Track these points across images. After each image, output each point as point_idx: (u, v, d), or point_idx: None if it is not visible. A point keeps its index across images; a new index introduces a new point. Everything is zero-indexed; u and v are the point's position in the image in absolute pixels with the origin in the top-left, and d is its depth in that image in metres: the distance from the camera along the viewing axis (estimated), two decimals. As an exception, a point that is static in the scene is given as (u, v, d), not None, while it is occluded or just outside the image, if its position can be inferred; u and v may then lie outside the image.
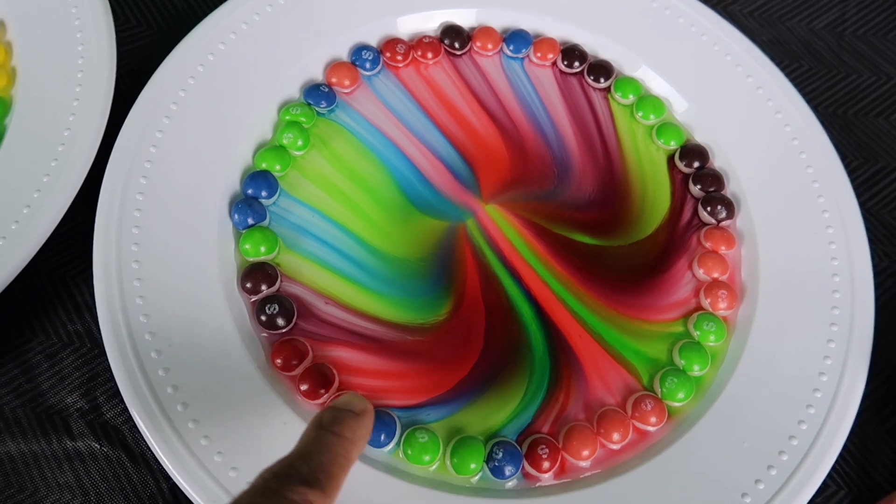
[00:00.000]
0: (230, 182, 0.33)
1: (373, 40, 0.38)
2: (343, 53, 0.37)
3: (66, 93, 0.33)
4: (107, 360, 0.29)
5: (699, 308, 0.33)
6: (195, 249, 0.31)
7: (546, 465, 0.29)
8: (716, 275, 0.33)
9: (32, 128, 0.33)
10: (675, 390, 0.30)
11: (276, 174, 0.34)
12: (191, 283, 0.30)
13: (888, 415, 0.32)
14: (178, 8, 0.39)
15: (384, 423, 0.29)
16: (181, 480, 0.26)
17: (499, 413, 0.30)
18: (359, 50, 0.37)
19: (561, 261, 0.34)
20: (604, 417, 0.30)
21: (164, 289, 0.29)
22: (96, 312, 0.29)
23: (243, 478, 0.26)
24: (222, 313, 0.30)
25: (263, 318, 0.30)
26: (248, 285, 0.31)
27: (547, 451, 0.29)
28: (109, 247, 0.30)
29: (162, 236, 0.30)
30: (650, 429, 0.30)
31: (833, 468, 0.29)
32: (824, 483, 0.29)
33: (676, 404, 0.31)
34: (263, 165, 0.34)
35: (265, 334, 0.30)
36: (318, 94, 0.35)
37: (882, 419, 0.32)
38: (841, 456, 0.30)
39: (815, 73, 0.40)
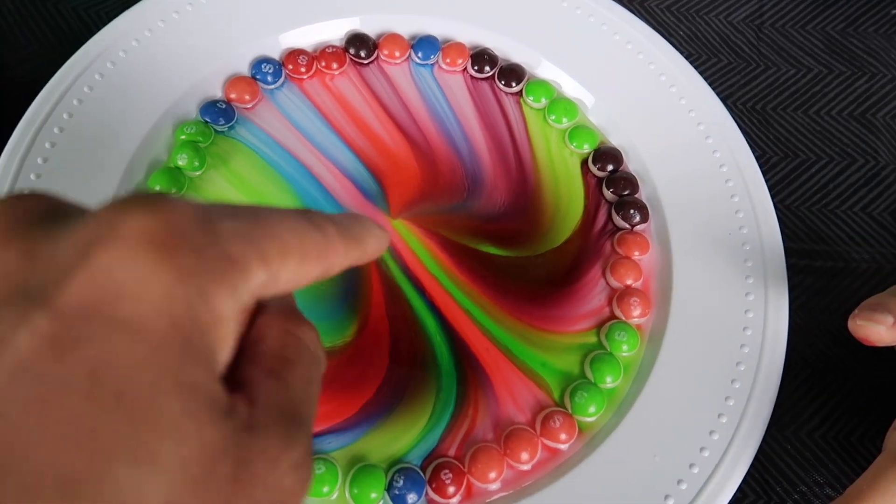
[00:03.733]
0: (121, 208, 0.31)
1: (275, 53, 0.36)
2: (244, 68, 0.36)
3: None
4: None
5: (612, 317, 0.32)
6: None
7: (451, 489, 0.28)
8: (629, 281, 0.32)
9: None
10: (586, 404, 0.29)
11: (170, 197, 0.32)
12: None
13: (808, 416, 0.31)
14: (73, 27, 0.37)
15: (280, 454, 0.27)
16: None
17: (404, 437, 0.29)
18: (259, 63, 0.35)
19: (468, 273, 0.33)
20: (511, 437, 0.29)
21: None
22: None
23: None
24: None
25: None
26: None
27: (451, 475, 0.28)
28: None
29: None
30: (560, 446, 0.29)
31: (750, 476, 0.29)
32: (740, 491, 0.28)
33: (588, 419, 0.30)
34: (157, 188, 0.32)
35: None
36: (216, 111, 0.34)
37: (802, 421, 0.31)
38: (758, 461, 0.29)
39: (733, 67, 0.39)
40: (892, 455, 0.26)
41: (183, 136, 0.33)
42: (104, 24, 0.35)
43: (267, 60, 0.36)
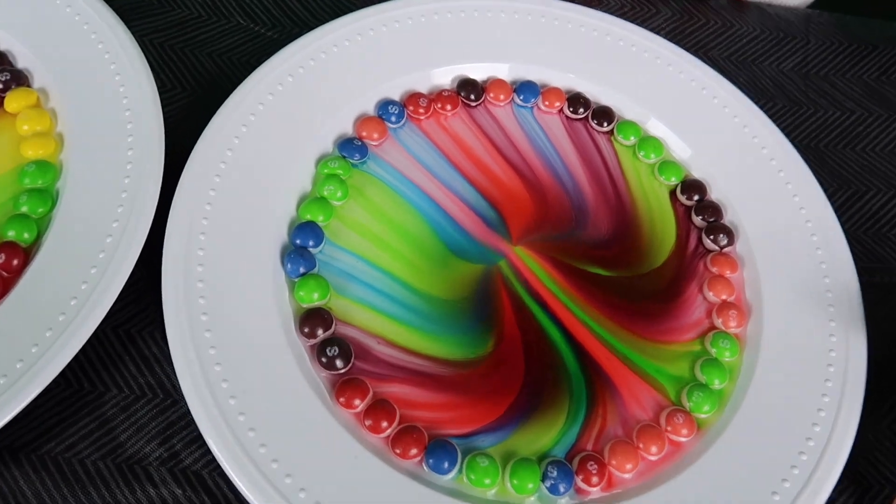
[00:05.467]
0: (279, 234, 0.35)
1: (396, 95, 0.41)
2: (370, 108, 0.40)
3: (118, 158, 0.35)
4: (180, 408, 0.31)
5: (713, 328, 0.36)
6: (256, 299, 0.33)
7: (595, 479, 0.31)
8: (724, 296, 0.37)
9: (88, 192, 0.34)
10: (701, 403, 0.34)
11: (320, 224, 0.36)
12: (255, 330, 0.32)
13: (886, 411, 0.36)
14: (209, 70, 0.41)
15: (447, 451, 0.31)
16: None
17: (547, 434, 0.33)
18: (385, 105, 0.40)
19: (581, 291, 0.37)
20: (643, 432, 0.33)
21: (232, 338, 0.31)
22: (165, 365, 0.31)
23: (328, 510, 0.28)
24: (286, 357, 0.32)
25: (324, 359, 0.32)
26: (306, 330, 0.33)
27: (596, 466, 0.32)
28: (178, 303, 0.31)
29: (224, 288, 0.32)
30: (683, 440, 0.33)
31: (847, 466, 0.33)
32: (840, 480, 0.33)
33: (703, 416, 0.34)
34: (308, 217, 0.36)
35: (325, 374, 0.32)
36: (352, 148, 0.38)
37: (879, 416, 0.36)
38: (853, 452, 0.34)
39: (787, 110, 0.45)
40: None
41: (326, 170, 0.37)
42: (237, 68, 0.39)
43: (391, 102, 0.40)
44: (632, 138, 0.41)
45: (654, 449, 0.33)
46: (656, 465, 0.33)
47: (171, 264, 0.32)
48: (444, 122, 0.41)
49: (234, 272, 0.33)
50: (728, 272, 0.38)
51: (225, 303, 0.32)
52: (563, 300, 0.36)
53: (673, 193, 0.41)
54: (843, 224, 0.40)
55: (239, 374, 0.31)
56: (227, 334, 0.31)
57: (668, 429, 0.33)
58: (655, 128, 0.42)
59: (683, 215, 0.40)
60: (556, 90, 0.42)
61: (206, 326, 0.31)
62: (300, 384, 0.31)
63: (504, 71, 0.42)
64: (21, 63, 0.39)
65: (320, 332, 0.33)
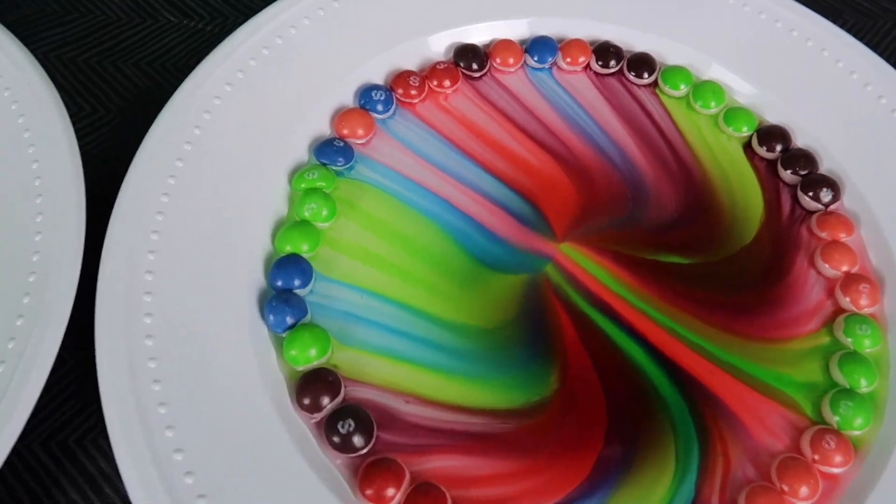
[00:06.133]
0: (253, 276, 0.26)
1: (379, 78, 0.32)
2: (349, 99, 0.31)
3: (23, 213, 0.26)
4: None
5: (840, 310, 0.28)
6: (230, 372, 0.24)
7: (736, 550, 0.23)
8: (845, 267, 0.28)
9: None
10: (852, 416, 0.25)
11: (305, 255, 0.27)
12: (235, 416, 0.23)
13: None
14: (138, 83, 0.32)
15: (525, 541, 0.22)
16: None
17: (656, 491, 0.24)
18: (367, 91, 0.31)
19: (656, 288, 0.28)
20: (785, 469, 0.24)
21: (206, 431, 0.23)
22: (119, 482, 0.22)
23: None
24: (284, 445, 0.23)
25: (336, 439, 0.23)
26: (307, 401, 0.24)
27: (733, 530, 0.23)
28: (123, 391, 0.23)
29: (186, 363, 0.24)
30: (837, 471, 0.24)
31: None
32: None
33: (857, 433, 0.25)
34: (288, 248, 0.27)
35: (341, 460, 0.24)
36: (333, 151, 0.29)
37: None
38: None
39: (861, 25, 0.36)
40: None
41: (303, 185, 0.29)
42: (173, 74, 0.30)
43: (375, 87, 0.31)
44: (682, 87, 0.33)
45: (804, 491, 0.24)
46: (811, 513, 0.24)
47: (108, 342, 0.23)
48: (444, 102, 0.32)
49: (197, 340, 0.24)
50: (843, 235, 0.29)
51: (189, 385, 0.23)
52: (633, 303, 0.28)
53: (748, 147, 0.32)
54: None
55: (221, 484, 0.22)
56: (197, 429, 0.23)
57: (816, 458, 0.24)
58: (709, 69, 0.33)
59: (767, 172, 0.31)
60: (577, 42, 0.33)
61: (167, 422, 0.22)
62: (309, 478, 0.23)
63: (508, 29, 0.34)
64: None
65: (326, 401, 0.24)
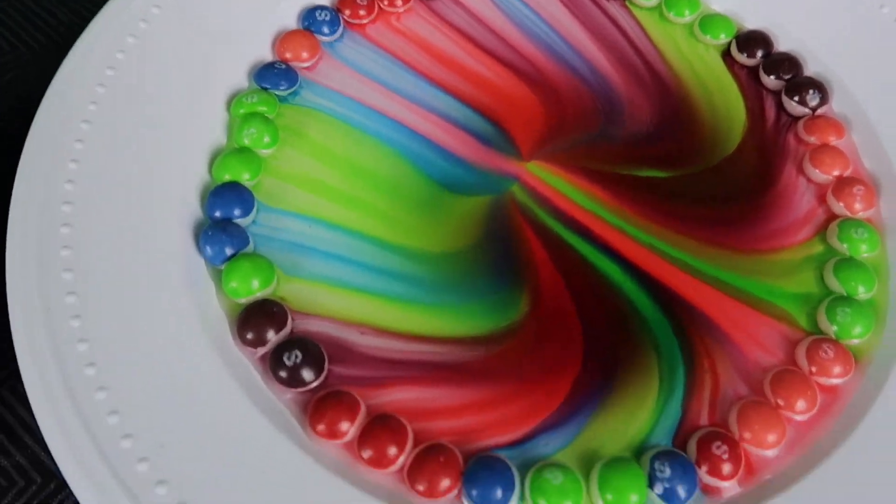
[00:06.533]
0: (188, 207, 0.24)
1: (324, -1, 0.30)
2: (291, 21, 0.29)
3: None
4: (67, 494, 0.20)
5: (834, 215, 0.25)
6: (163, 306, 0.22)
7: (727, 468, 0.20)
8: (836, 171, 0.26)
9: None
10: (850, 324, 0.23)
11: (245, 183, 0.25)
12: (168, 351, 0.21)
13: None
14: (60, 18, 0.30)
15: (496, 472, 0.20)
16: None
17: (638, 413, 0.22)
18: (310, 12, 0.29)
19: (633, 203, 0.26)
20: (779, 382, 0.22)
21: (134, 370, 0.20)
22: (38, 434, 0.20)
23: None
24: (223, 383, 0.21)
25: (283, 373, 0.21)
26: (250, 335, 0.22)
27: (724, 447, 0.20)
28: (37, 331, 0.20)
29: (112, 301, 0.21)
30: (837, 381, 0.22)
31: None
32: None
33: (856, 342, 0.23)
34: (227, 177, 0.25)
35: (290, 395, 0.21)
36: (274, 75, 0.27)
37: None
38: None
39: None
40: None
41: (242, 109, 0.26)
42: (97, 6, 0.27)
43: (319, 7, 0.29)
44: (653, -4, 0.30)
45: (801, 404, 0.21)
46: (810, 428, 0.21)
47: (19, 277, 0.21)
48: (396, 23, 0.30)
49: (124, 276, 0.22)
50: (833, 138, 0.27)
51: (112, 320, 0.21)
52: (610, 221, 0.25)
53: (727, 55, 0.29)
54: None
55: (150, 425, 0.19)
56: (125, 366, 0.20)
57: (813, 369, 0.22)
58: (681, -23, 0.31)
59: (748, 79, 0.29)
60: (537, -46, 0.31)
61: (88, 359, 0.20)
62: (255, 418, 0.20)
63: (463, -57, 0.31)
64: None
65: (271, 334, 0.22)
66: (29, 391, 0.19)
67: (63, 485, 0.21)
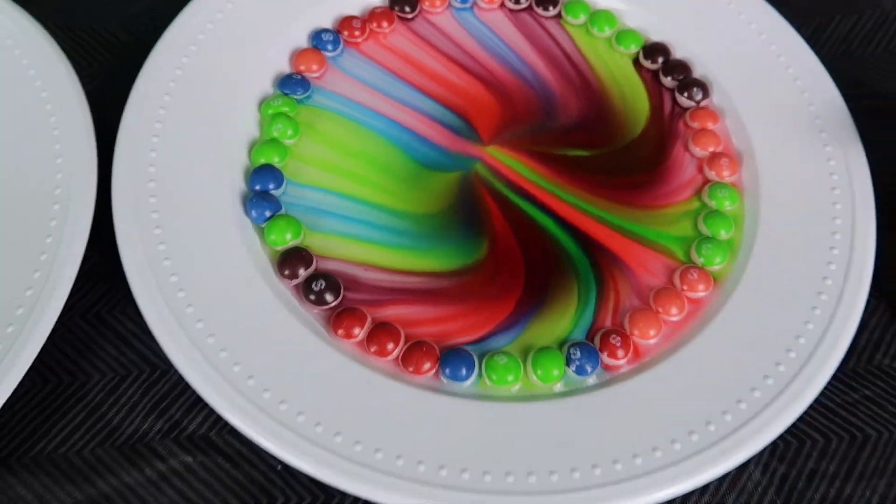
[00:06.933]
0: (236, 184, 0.33)
1: (328, 23, 0.38)
2: (303, 41, 0.38)
3: (45, 142, 0.32)
4: (170, 377, 0.29)
5: (707, 181, 0.35)
6: (226, 254, 0.30)
7: (621, 352, 0.30)
8: (711, 148, 0.35)
9: (21, 183, 0.32)
10: (712, 255, 0.32)
11: (276, 165, 0.34)
12: (232, 284, 0.30)
13: None
14: (122, 40, 0.38)
15: (461, 358, 0.29)
16: (296, 461, 0.26)
17: (562, 320, 0.31)
18: (318, 34, 0.37)
19: (565, 175, 0.35)
20: (659, 296, 0.31)
21: (210, 295, 0.29)
22: (144, 339, 0.29)
23: (350, 439, 0.26)
24: (272, 303, 0.30)
25: (312, 296, 0.30)
26: (287, 271, 0.31)
27: (619, 339, 0.30)
28: (144, 271, 0.29)
29: (190, 250, 0.30)
30: (701, 295, 0.31)
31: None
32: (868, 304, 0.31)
33: (716, 268, 0.32)
34: (262, 160, 0.34)
35: (317, 311, 0.30)
36: (293, 83, 0.36)
37: None
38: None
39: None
40: None
41: (270, 111, 0.35)
42: (150, 32, 0.36)
43: (324, 31, 0.38)
44: (581, 16, 0.39)
45: (674, 310, 0.31)
46: (679, 327, 0.31)
47: (125, 236, 0.30)
48: (384, 41, 0.39)
49: (196, 231, 0.31)
50: (710, 124, 0.36)
51: (194, 264, 0.30)
52: (548, 188, 0.34)
53: (636, 61, 0.39)
54: (817, 53, 0.39)
55: (225, 329, 0.28)
56: (203, 293, 0.29)
57: (684, 287, 0.31)
58: (601, 1, 0.40)
59: (652, 80, 0.38)
60: (492, -16, 0.40)
61: (179, 287, 0.29)
62: (293, 325, 0.29)
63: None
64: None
65: (301, 270, 0.31)
66: (141, 308, 0.28)
67: (165, 371, 0.30)
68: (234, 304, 0.29)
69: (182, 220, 0.31)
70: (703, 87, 0.37)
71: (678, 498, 0.28)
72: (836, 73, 0.37)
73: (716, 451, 0.27)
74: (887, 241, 0.33)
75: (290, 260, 0.31)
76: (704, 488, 0.29)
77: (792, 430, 0.30)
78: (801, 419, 0.29)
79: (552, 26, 0.40)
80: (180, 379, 0.28)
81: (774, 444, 0.29)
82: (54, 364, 0.30)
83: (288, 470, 0.28)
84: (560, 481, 0.26)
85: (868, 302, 0.32)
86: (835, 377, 0.30)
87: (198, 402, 0.29)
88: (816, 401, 0.30)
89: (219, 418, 0.28)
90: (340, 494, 0.28)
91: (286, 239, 0.32)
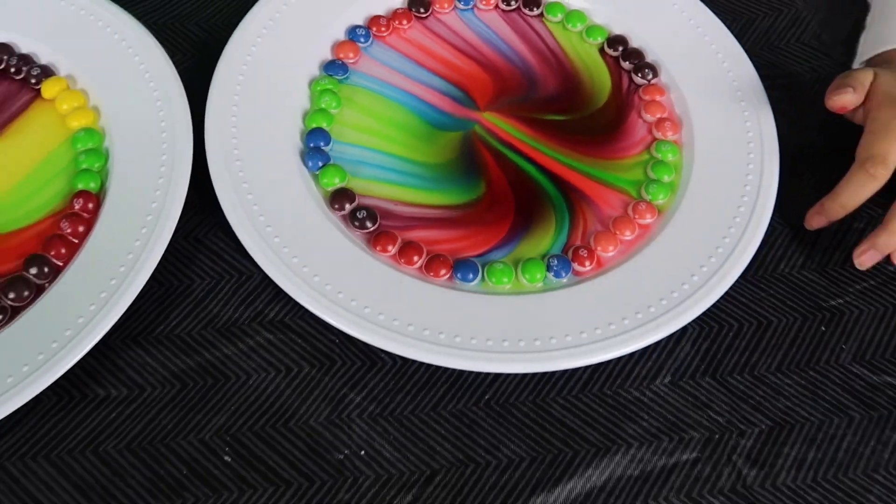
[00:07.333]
0: (296, 142, 0.43)
1: (360, 20, 0.49)
2: (342, 35, 0.48)
3: (149, 112, 0.42)
4: (255, 279, 0.39)
5: (654, 139, 0.45)
6: (293, 192, 0.41)
7: (588, 263, 0.40)
8: (658, 115, 0.46)
9: (133, 144, 0.42)
10: (657, 194, 0.42)
11: (325, 128, 0.44)
12: (299, 213, 0.40)
13: (804, 174, 0.45)
14: (199, 36, 0.48)
15: (469, 266, 0.39)
16: (351, 331, 0.36)
17: (544, 240, 0.41)
18: (353, 29, 0.48)
19: (544, 134, 0.45)
20: (617, 222, 0.42)
21: (284, 220, 0.39)
22: (234, 253, 0.39)
23: (389, 318, 0.36)
24: (328, 226, 0.40)
25: (356, 223, 0.40)
26: (336, 206, 0.41)
27: (586, 252, 0.40)
28: (234, 203, 0.39)
29: (266, 189, 0.40)
30: (648, 222, 0.42)
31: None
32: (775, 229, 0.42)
33: (660, 202, 0.43)
34: (314, 125, 0.44)
35: (360, 234, 0.41)
36: (335, 67, 0.46)
37: (798, 177, 0.45)
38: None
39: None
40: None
41: (319, 87, 0.45)
42: (221, 29, 0.46)
43: (358, 27, 0.48)
44: (559, 14, 0.50)
45: (627, 233, 0.41)
46: (631, 244, 0.41)
47: (220, 177, 0.40)
48: (404, 35, 0.49)
49: (270, 175, 0.41)
50: (658, 97, 0.46)
51: (270, 198, 0.40)
52: (531, 144, 0.45)
53: (601, 50, 0.49)
54: (742, 45, 0.49)
55: (299, 242, 0.39)
56: (278, 219, 0.39)
57: (636, 217, 0.42)
58: (574, 2, 0.50)
59: (614, 64, 0.49)
60: (488, -10, 0.50)
61: (260, 213, 0.39)
62: (344, 242, 0.39)
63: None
64: (44, 60, 0.46)
65: (347, 205, 0.41)
66: (235, 227, 0.38)
67: (249, 276, 0.40)
68: (302, 227, 0.39)
69: (259, 167, 0.41)
70: (653, 69, 0.47)
71: (632, 361, 0.39)
72: (756, 59, 0.48)
73: (653, 324, 0.37)
74: (789, 184, 0.43)
75: (338, 197, 0.41)
76: (649, 357, 0.39)
77: (714, 317, 0.40)
78: (720, 309, 0.40)
79: (536, 23, 0.50)
80: (261, 280, 0.39)
81: (700, 326, 0.40)
82: (166, 272, 0.40)
83: (343, 341, 0.38)
84: (541, 345, 0.37)
85: (774, 228, 0.42)
86: (747, 280, 0.41)
87: (276, 296, 0.39)
88: (733, 297, 0.40)
89: (291, 306, 0.38)
90: (381, 359, 0.38)
91: (335, 182, 0.42)
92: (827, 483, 0.36)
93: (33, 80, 0.45)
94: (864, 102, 0.42)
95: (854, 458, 0.37)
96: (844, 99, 0.41)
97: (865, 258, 0.40)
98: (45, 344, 0.36)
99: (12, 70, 0.45)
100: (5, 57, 0.45)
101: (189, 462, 0.35)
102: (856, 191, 0.39)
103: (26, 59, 0.46)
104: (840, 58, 0.49)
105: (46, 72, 0.45)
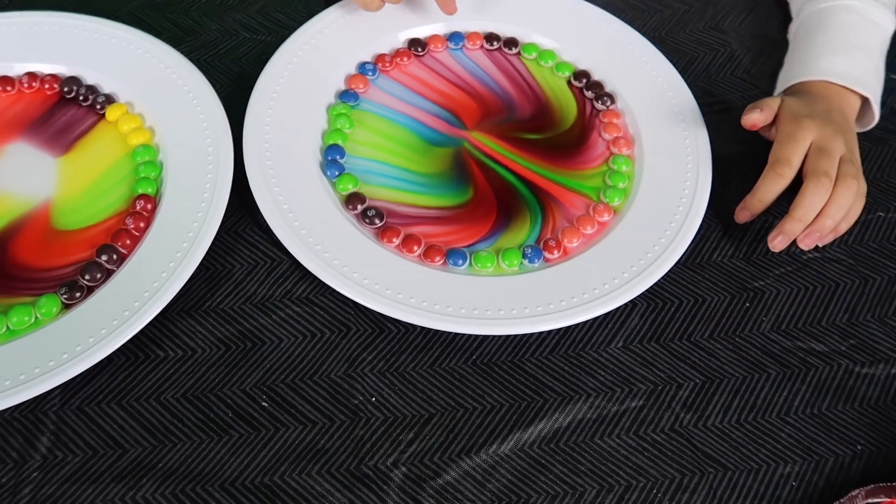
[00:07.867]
0: (316, 155, 0.52)
1: (368, 58, 0.58)
2: (353, 69, 0.58)
3: (196, 130, 0.52)
4: (285, 263, 0.48)
5: (612, 154, 0.55)
6: (315, 196, 0.50)
7: (556, 251, 0.49)
8: (615, 134, 0.56)
9: (183, 159, 0.51)
10: (613, 198, 0.52)
11: (340, 145, 0.53)
12: (321, 211, 0.49)
13: (732, 182, 0.54)
14: (234, 71, 0.58)
15: (460, 254, 0.48)
16: (365, 302, 0.45)
17: (521, 233, 0.50)
18: (362, 65, 0.58)
19: (524, 150, 0.55)
20: (580, 220, 0.51)
21: (311, 218, 0.49)
22: (267, 244, 0.48)
23: (395, 292, 0.45)
24: (344, 222, 0.49)
25: (367, 220, 0.50)
26: (350, 206, 0.50)
27: (554, 242, 0.49)
28: (268, 201, 0.48)
29: (294, 191, 0.50)
30: (605, 219, 0.51)
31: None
32: (709, 225, 0.51)
33: (615, 204, 0.52)
34: (331, 142, 0.53)
35: (369, 228, 0.50)
36: (348, 95, 0.56)
37: (727, 185, 0.54)
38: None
39: (631, 15, 0.64)
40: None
41: (335, 112, 0.55)
42: (252, 65, 0.56)
43: (366, 63, 0.58)
44: (533, 53, 0.60)
45: (588, 228, 0.51)
46: (591, 237, 0.51)
47: (257, 182, 0.49)
48: (404, 69, 0.59)
49: (296, 182, 0.50)
50: (615, 119, 0.56)
51: (297, 200, 0.49)
52: (511, 157, 0.54)
53: (569, 82, 0.59)
54: (685, 79, 0.59)
55: (321, 234, 0.48)
56: (305, 216, 0.49)
57: (595, 215, 0.51)
58: (545, 43, 0.60)
59: (579, 93, 0.58)
60: (475, 33, 0.60)
61: (289, 211, 0.48)
62: (357, 234, 0.49)
63: (436, 28, 0.60)
64: (107, 89, 0.55)
65: (359, 206, 0.50)
66: (270, 223, 0.47)
67: (279, 262, 0.49)
68: (323, 223, 0.49)
69: (287, 176, 0.50)
70: (611, 97, 0.57)
71: (591, 329, 0.47)
72: (696, 89, 0.58)
73: (608, 297, 0.46)
74: (720, 189, 0.53)
75: (352, 199, 0.50)
76: (605, 325, 0.48)
77: (659, 296, 0.49)
78: (664, 289, 0.49)
79: (514, 59, 0.60)
80: (290, 264, 0.48)
81: (648, 302, 0.49)
82: (210, 259, 0.48)
83: (357, 311, 0.47)
84: (517, 313, 0.46)
85: (710, 224, 0.52)
86: (687, 266, 0.50)
87: (302, 277, 0.48)
88: (676, 280, 0.49)
89: (315, 285, 0.47)
90: (388, 326, 0.47)
91: (349, 187, 0.51)
92: (748, 424, 0.45)
93: (98, 106, 0.54)
94: (773, 122, 0.51)
95: (770, 405, 0.45)
96: (753, 117, 0.51)
97: (777, 242, 0.49)
98: (118, 313, 0.44)
99: (80, 98, 0.55)
100: (75, 87, 0.55)
101: (233, 407, 0.43)
102: (769, 187, 0.49)
103: (92, 89, 0.55)
104: (766, 88, 0.59)
105: (109, 99, 0.55)
